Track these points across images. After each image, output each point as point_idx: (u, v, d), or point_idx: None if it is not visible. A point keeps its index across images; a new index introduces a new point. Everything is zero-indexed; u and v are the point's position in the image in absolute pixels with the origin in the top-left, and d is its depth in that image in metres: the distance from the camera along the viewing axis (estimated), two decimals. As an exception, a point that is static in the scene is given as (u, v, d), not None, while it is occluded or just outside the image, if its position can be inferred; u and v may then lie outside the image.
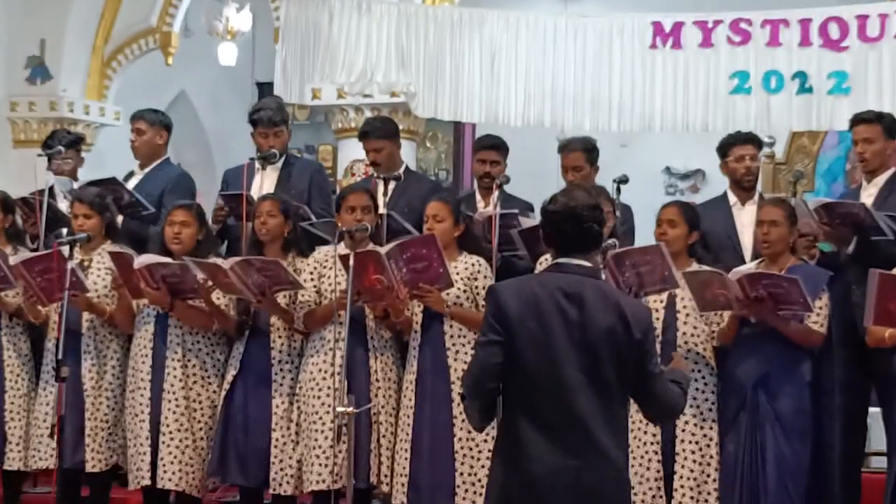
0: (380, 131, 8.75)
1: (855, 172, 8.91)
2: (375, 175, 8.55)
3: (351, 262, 6.83)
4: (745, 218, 8.08)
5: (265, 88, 15.02)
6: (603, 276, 6.73)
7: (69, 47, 13.24)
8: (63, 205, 8.82)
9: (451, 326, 7.27)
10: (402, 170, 8.66)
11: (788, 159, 11.85)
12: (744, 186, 8.20)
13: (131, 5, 13.34)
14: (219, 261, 7.57)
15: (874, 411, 7.77)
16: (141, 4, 13.38)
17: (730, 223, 8.12)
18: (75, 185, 8.95)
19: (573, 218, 4.95)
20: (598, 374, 4.82)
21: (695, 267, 7.20)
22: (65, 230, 8.11)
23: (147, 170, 9.09)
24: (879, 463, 8.93)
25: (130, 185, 8.92)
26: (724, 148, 8.27)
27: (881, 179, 7.71)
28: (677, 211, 7.34)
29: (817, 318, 6.96)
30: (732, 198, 8.25)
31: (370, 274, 7.08)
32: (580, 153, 8.51)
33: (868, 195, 7.69)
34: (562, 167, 8.60)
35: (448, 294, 7.22)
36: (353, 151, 10.89)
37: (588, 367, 4.82)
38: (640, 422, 7.05)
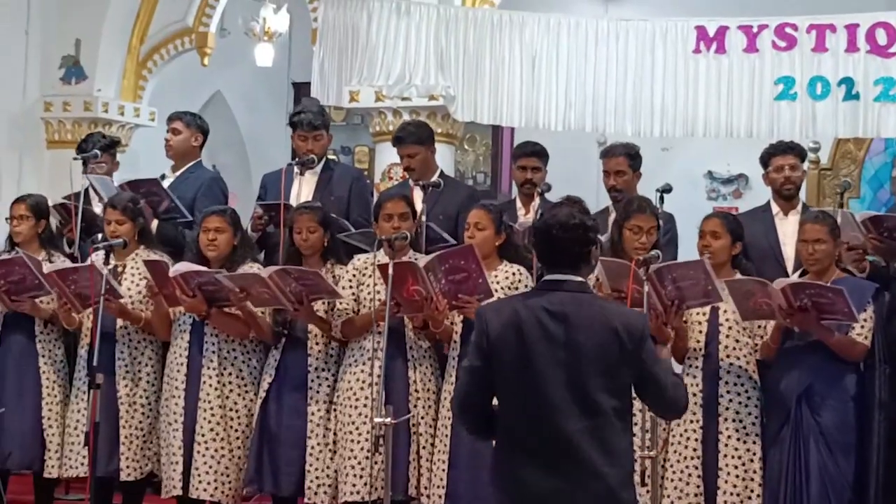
0: (413, 136, 8.69)
1: (901, 178, 8.78)
2: (413, 182, 8.48)
3: (390, 271, 6.77)
4: (788, 228, 8.02)
5: (301, 89, 14.97)
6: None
7: (104, 47, 13.18)
8: (98, 208, 8.76)
9: (490, 337, 7.16)
10: (437, 175, 8.59)
11: (833, 165, 11.76)
12: (784, 196, 8.11)
13: (167, 5, 13.28)
14: (256, 269, 7.50)
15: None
16: (177, 4, 13.32)
17: (772, 234, 8.08)
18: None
19: (548, 237, 4.92)
20: (586, 393, 4.77)
21: (738, 278, 7.10)
22: (100, 235, 8.04)
23: (179, 172, 9.07)
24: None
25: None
26: (766, 158, 8.22)
27: (930, 191, 7.62)
28: (720, 223, 7.26)
29: (861, 329, 6.89)
30: (775, 207, 8.19)
31: (409, 285, 7.03)
32: (623, 158, 8.44)
33: (917, 208, 7.60)
34: (603, 171, 8.54)
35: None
36: (390, 155, 10.78)
37: (574, 387, 4.76)
38: (682, 435, 7.03)
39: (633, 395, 4.98)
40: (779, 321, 6.86)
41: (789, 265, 7.86)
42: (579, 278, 4.90)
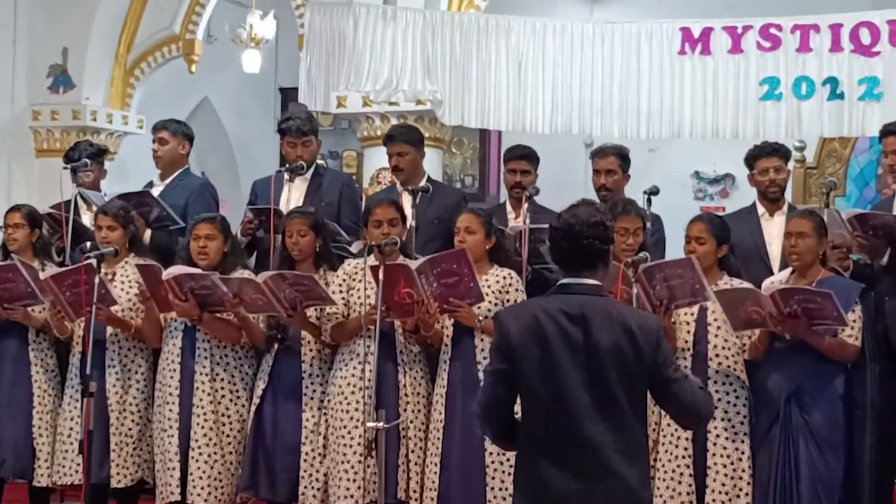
0: (405, 136, 8.79)
1: (886, 177, 8.79)
2: (401, 186, 8.52)
3: (381, 274, 6.79)
4: (774, 229, 8.06)
5: (289, 94, 15.01)
6: (622, 293, 6.71)
7: (92, 56, 13.21)
8: (86, 218, 8.79)
9: (482, 340, 7.20)
10: (424, 180, 8.62)
11: (819, 164, 11.78)
12: (769, 198, 8.17)
13: (154, 13, 13.31)
14: (249, 274, 7.53)
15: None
16: (164, 12, 13.34)
17: (758, 234, 8.12)
18: (104, 196, 8.93)
19: (572, 235, 4.91)
20: (606, 395, 4.79)
21: (726, 280, 7.15)
22: (89, 244, 8.06)
23: (168, 180, 9.09)
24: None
25: (151, 196, 8.92)
26: (750, 159, 8.28)
27: (914, 190, 7.66)
28: (704, 227, 7.27)
29: (851, 331, 6.89)
30: (760, 208, 8.24)
31: (400, 288, 7.05)
32: (614, 157, 8.56)
33: (901, 206, 7.65)
34: (594, 171, 8.61)
35: (479, 307, 7.18)
36: (379, 160, 10.84)
37: (594, 389, 4.78)
38: (672, 435, 7.05)
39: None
40: (770, 329, 6.88)
41: (775, 265, 7.89)
42: (596, 281, 4.91)
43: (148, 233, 8.44)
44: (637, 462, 4.87)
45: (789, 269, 7.27)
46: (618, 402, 4.79)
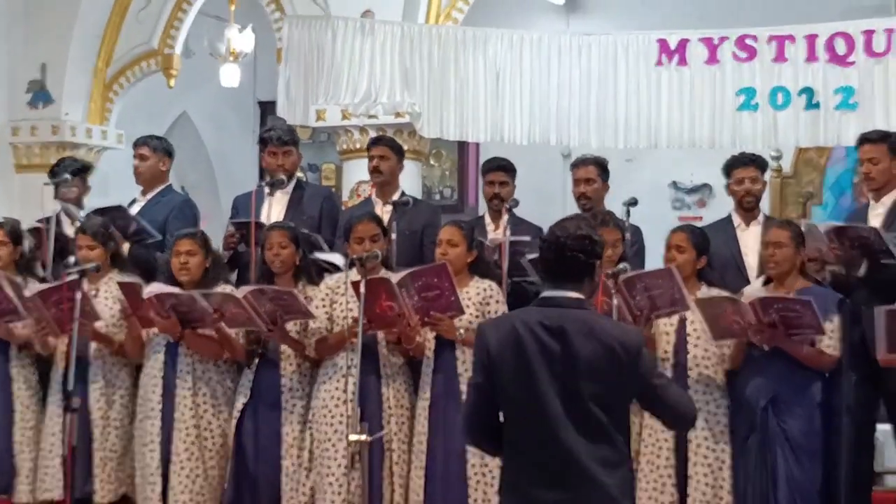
0: (390, 142, 8.91)
1: (862, 185, 8.84)
2: (381, 199, 8.55)
3: (362, 288, 6.81)
4: (749, 239, 8.13)
5: (268, 107, 15.00)
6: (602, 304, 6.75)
7: (70, 71, 13.17)
8: (71, 230, 8.78)
9: (463, 352, 7.25)
10: (398, 194, 8.62)
11: (796, 173, 11.82)
12: (745, 208, 8.23)
13: (133, 28, 13.27)
14: (230, 289, 7.55)
15: (885, 429, 7.75)
16: (142, 27, 13.30)
17: (734, 245, 8.17)
18: (82, 214, 8.92)
19: (556, 247, 4.94)
20: (582, 406, 4.81)
21: (704, 290, 7.19)
22: (72, 259, 8.06)
23: (149, 196, 9.10)
24: (893, 481, 8.92)
25: (132, 211, 8.92)
26: (727, 169, 8.33)
27: (889, 199, 7.72)
28: (685, 237, 7.33)
29: (829, 340, 6.94)
30: (737, 219, 8.30)
31: (382, 301, 7.07)
32: (593, 167, 8.61)
33: (876, 215, 7.70)
34: (573, 181, 8.65)
35: (461, 320, 7.21)
36: (358, 172, 10.85)
37: (570, 400, 4.81)
38: (654, 445, 7.09)
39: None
40: (750, 339, 6.91)
41: (752, 275, 7.93)
42: (578, 294, 4.93)
43: (126, 246, 8.43)
44: (617, 472, 4.89)
45: (763, 279, 7.33)
46: (594, 413, 4.82)
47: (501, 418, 5.01)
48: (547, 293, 4.97)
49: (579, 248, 4.93)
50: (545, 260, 5.01)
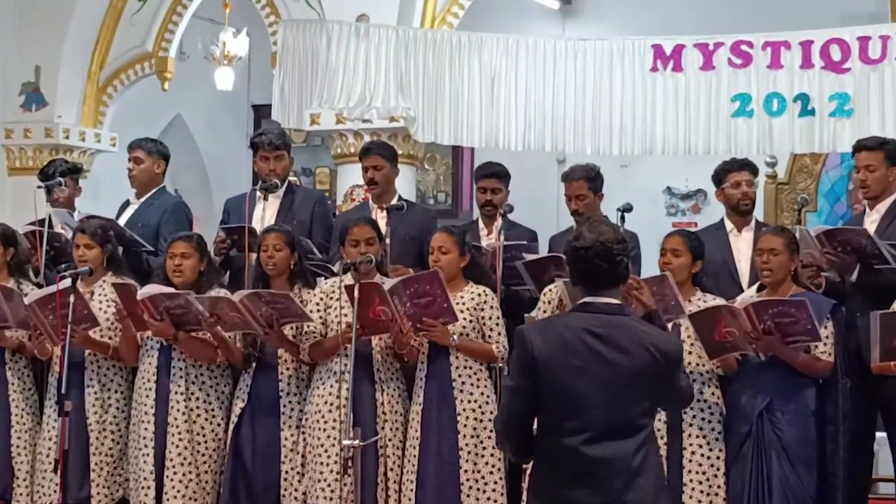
0: (381, 149, 8.81)
1: (857, 192, 8.82)
2: (377, 204, 8.53)
3: (356, 293, 6.81)
4: (742, 245, 8.11)
5: (262, 111, 14.98)
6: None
7: (64, 73, 13.16)
8: (66, 233, 8.76)
9: (457, 358, 7.27)
10: (395, 198, 8.62)
11: (790, 179, 11.79)
12: (741, 211, 8.20)
13: (127, 31, 13.26)
14: (226, 293, 7.53)
15: (880, 436, 7.74)
16: (137, 30, 13.29)
17: (727, 251, 8.14)
18: (76, 216, 8.91)
19: (605, 253, 4.94)
20: (627, 413, 4.85)
21: (699, 296, 7.19)
22: (63, 265, 8.05)
23: (143, 199, 9.07)
24: (887, 489, 8.91)
25: (127, 214, 8.96)
26: (720, 174, 8.29)
27: (883, 206, 7.72)
28: (681, 240, 7.33)
29: (824, 347, 6.93)
30: (729, 224, 8.27)
31: (375, 305, 7.07)
32: (583, 181, 8.46)
33: (871, 222, 7.70)
34: (565, 196, 8.57)
35: (454, 325, 7.20)
36: (352, 177, 10.84)
37: (616, 406, 4.84)
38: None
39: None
40: (745, 350, 6.92)
41: (744, 281, 7.92)
42: (617, 301, 4.97)
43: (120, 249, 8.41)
44: (654, 476, 4.94)
45: (756, 286, 7.32)
46: (636, 419, 4.87)
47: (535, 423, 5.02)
48: (588, 299, 4.98)
49: (623, 252, 4.96)
50: (593, 267, 4.97)
